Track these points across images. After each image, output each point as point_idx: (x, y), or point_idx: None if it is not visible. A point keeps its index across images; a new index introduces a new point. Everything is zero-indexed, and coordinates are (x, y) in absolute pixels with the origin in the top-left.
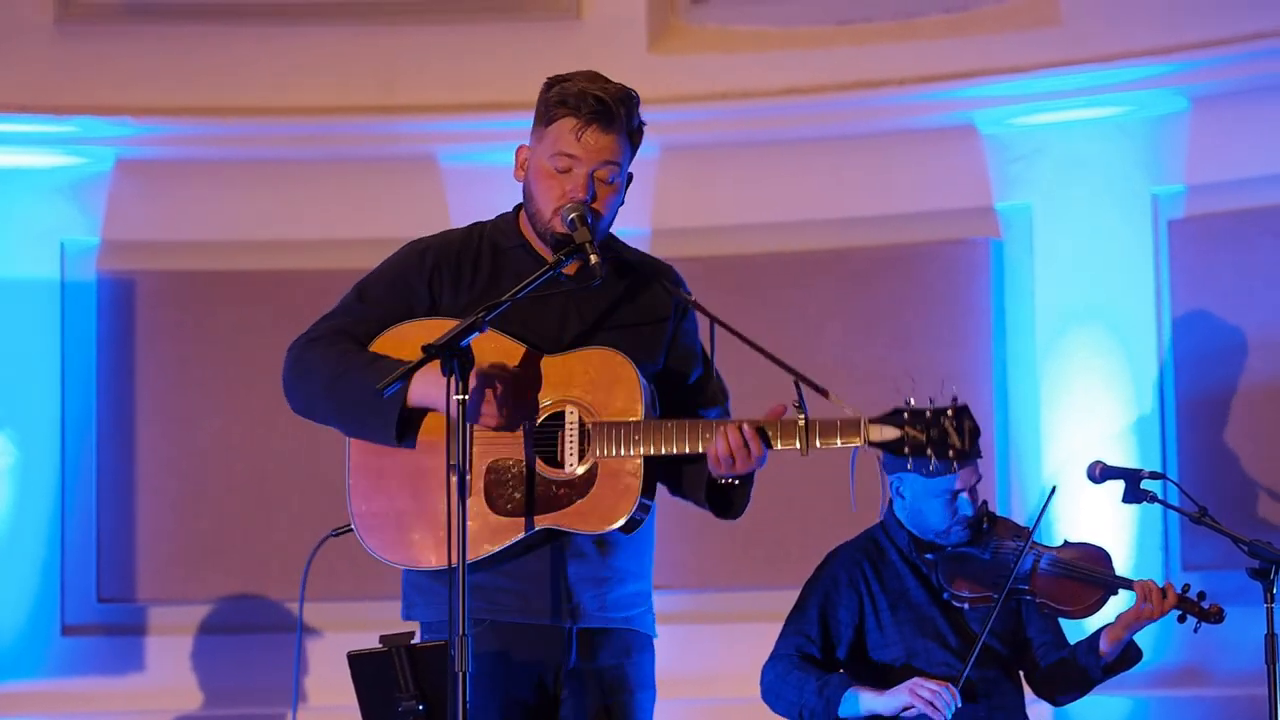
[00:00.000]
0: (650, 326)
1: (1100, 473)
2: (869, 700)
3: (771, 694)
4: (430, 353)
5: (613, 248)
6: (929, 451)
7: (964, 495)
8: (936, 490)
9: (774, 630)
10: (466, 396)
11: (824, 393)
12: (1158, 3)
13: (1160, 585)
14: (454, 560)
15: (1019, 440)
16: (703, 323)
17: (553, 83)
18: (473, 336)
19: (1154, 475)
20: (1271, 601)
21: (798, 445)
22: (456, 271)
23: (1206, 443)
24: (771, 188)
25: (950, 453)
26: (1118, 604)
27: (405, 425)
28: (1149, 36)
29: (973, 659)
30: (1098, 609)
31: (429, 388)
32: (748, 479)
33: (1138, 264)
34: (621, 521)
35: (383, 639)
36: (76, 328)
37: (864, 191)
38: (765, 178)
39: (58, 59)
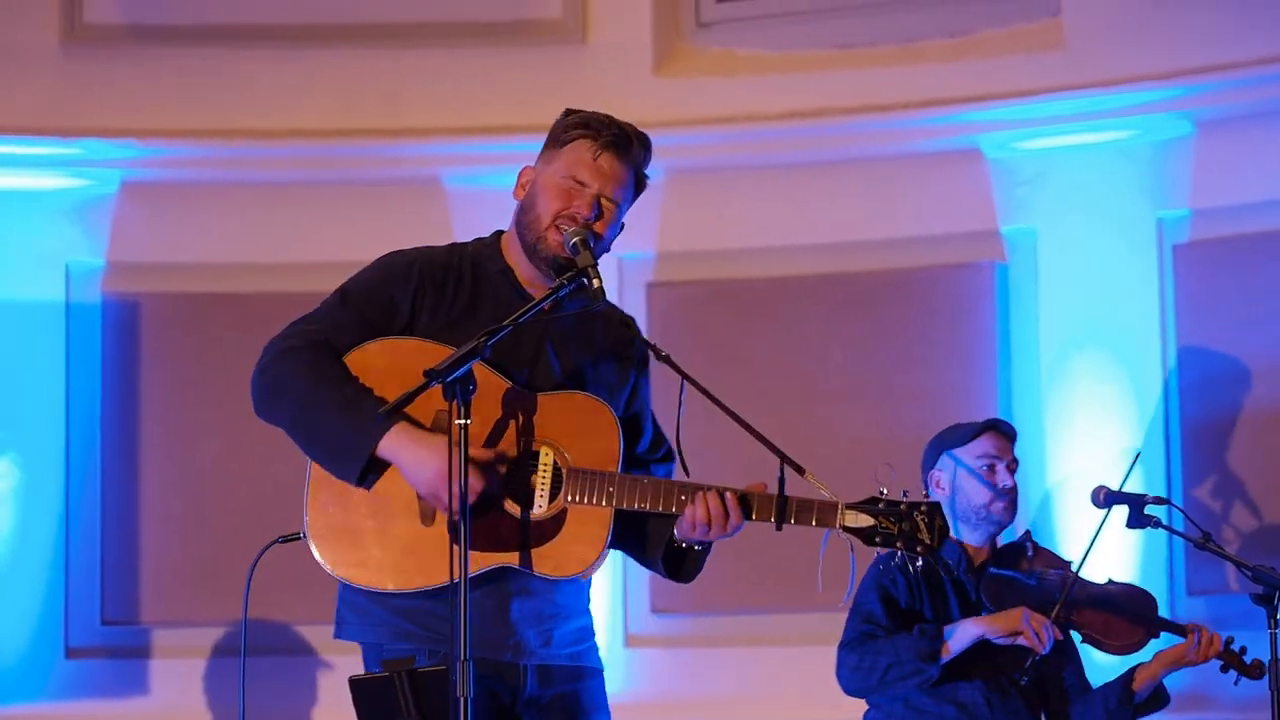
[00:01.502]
0: (620, 371)
1: (1104, 498)
2: (977, 626)
3: (861, 671)
4: (432, 378)
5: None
6: (899, 544)
7: (1000, 466)
8: (974, 461)
9: (777, 653)
10: (469, 420)
11: (800, 470)
12: (1162, 27)
13: (1210, 633)
14: (455, 587)
15: (1023, 465)
16: (674, 376)
17: (572, 113)
18: (474, 361)
19: (1158, 500)
20: (1275, 627)
21: (774, 519)
22: (440, 291)
23: (1211, 468)
24: (776, 211)
25: (919, 548)
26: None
27: (370, 468)
28: (1153, 61)
29: (1065, 594)
30: (1139, 649)
31: (400, 447)
32: (707, 547)
33: (1142, 288)
34: (582, 572)
35: (384, 664)
36: (81, 350)
37: (868, 215)
38: (770, 201)
39: (63, 82)
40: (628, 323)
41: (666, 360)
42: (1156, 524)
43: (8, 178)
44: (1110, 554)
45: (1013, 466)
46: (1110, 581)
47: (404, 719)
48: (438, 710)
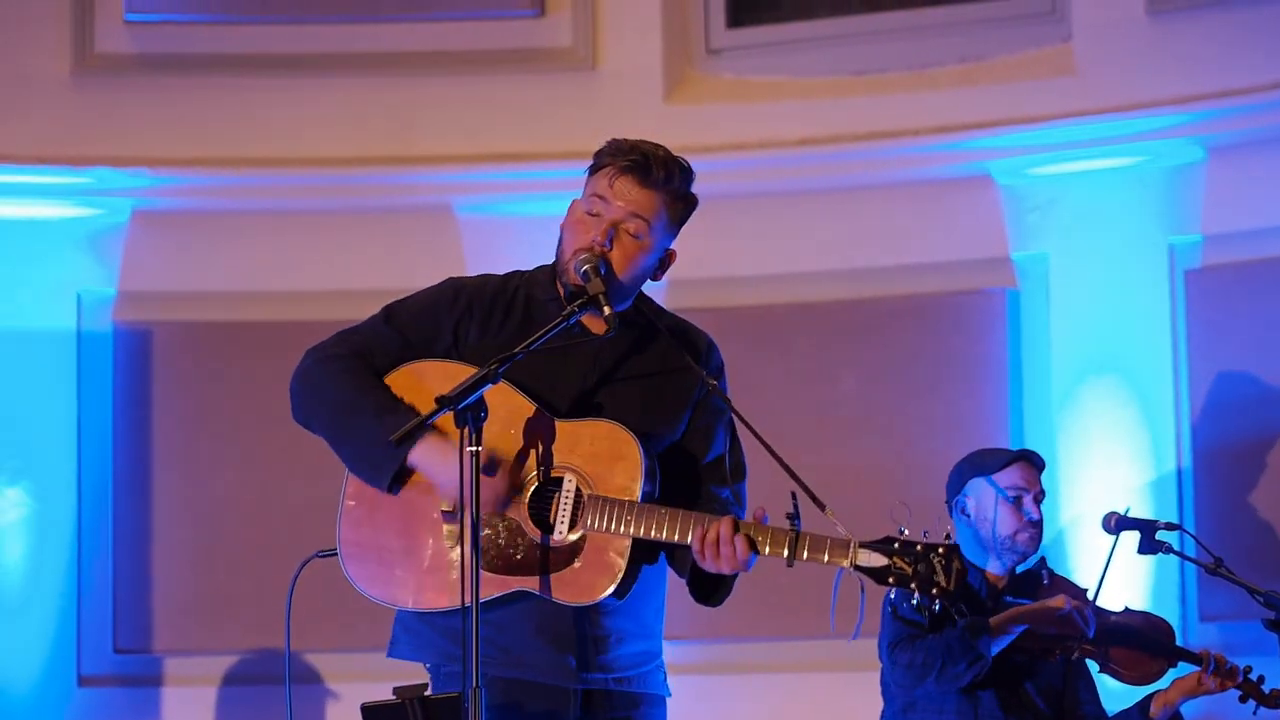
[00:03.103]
0: (673, 393)
1: (1116, 524)
2: (1019, 616)
3: (915, 669)
4: (443, 404)
5: (645, 311)
6: (913, 585)
7: (1028, 499)
8: (1001, 493)
9: (788, 680)
10: (480, 448)
11: (821, 506)
12: (1173, 52)
13: (1228, 662)
14: (464, 612)
15: None
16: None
17: (614, 141)
18: (486, 388)
19: (1170, 526)
20: None
21: (785, 555)
22: (487, 316)
23: (1223, 493)
24: (787, 238)
25: (934, 590)
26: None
27: (399, 475)
28: (1165, 86)
29: (1099, 589)
30: (1157, 679)
31: (431, 457)
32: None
33: (1154, 314)
34: (599, 599)
35: (396, 690)
36: (93, 379)
37: (879, 242)
38: (781, 228)
39: (74, 111)
40: (695, 343)
41: (715, 390)
42: (1168, 549)
43: (19, 207)
44: (1122, 580)
45: (1040, 498)
46: (1127, 610)
47: None
48: None
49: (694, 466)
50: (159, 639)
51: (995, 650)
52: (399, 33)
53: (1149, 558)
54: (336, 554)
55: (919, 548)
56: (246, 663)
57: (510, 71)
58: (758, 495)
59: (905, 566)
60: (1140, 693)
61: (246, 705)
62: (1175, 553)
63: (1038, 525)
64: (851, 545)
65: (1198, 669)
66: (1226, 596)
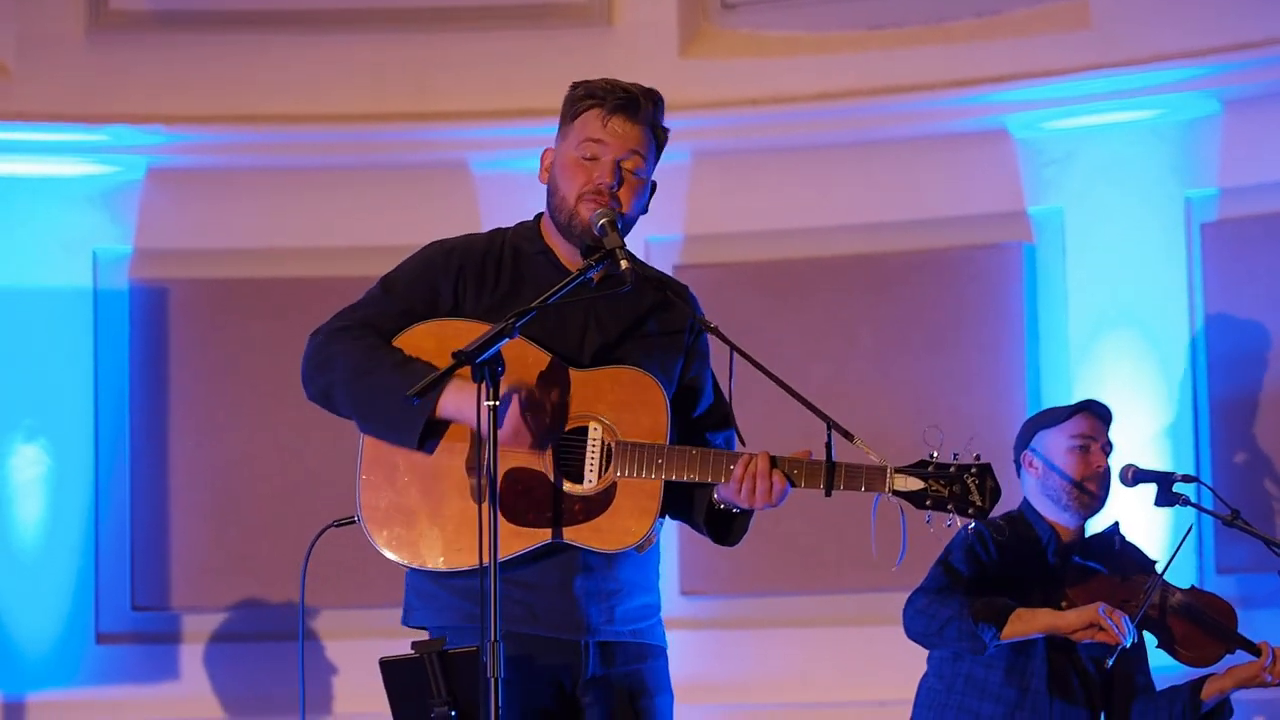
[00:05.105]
0: (669, 343)
1: (1132, 476)
2: (1047, 617)
3: (925, 616)
4: (461, 359)
5: (632, 262)
6: (950, 506)
7: (1095, 447)
8: (1066, 442)
9: (808, 635)
10: (497, 403)
11: (849, 436)
12: (1190, 6)
13: None
14: (482, 566)
15: None
16: (722, 348)
17: (577, 85)
18: (503, 343)
19: (1186, 478)
20: None
21: (823, 486)
22: (480, 274)
23: (1239, 446)
24: (803, 193)
25: (970, 510)
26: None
27: (429, 431)
28: (1181, 39)
29: (1147, 596)
30: (1214, 663)
31: (460, 401)
32: (748, 511)
33: (1170, 267)
34: (635, 544)
35: (414, 645)
36: (109, 336)
37: (896, 196)
38: (797, 183)
39: (90, 68)
40: (679, 293)
41: (715, 331)
42: (1185, 502)
43: (35, 165)
44: (1139, 532)
45: (1107, 449)
46: (1194, 588)
47: (435, 701)
48: (469, 691)
49: (686, 417)
50: (176, 596)
51: (1004, 643)
52: None
53: (1166, 510)
54: (353, 522)
55: (952, 469)
56: (264, 619)
57: (527, 27)
58: (772, 434)
59: (941, 489)
60: (1191, 673)
61: (263, 661)
62: (1192, 505)
63: (1102, 474)
64: (888, 472)
65: (1255, 659)
66: (1243, 548)
